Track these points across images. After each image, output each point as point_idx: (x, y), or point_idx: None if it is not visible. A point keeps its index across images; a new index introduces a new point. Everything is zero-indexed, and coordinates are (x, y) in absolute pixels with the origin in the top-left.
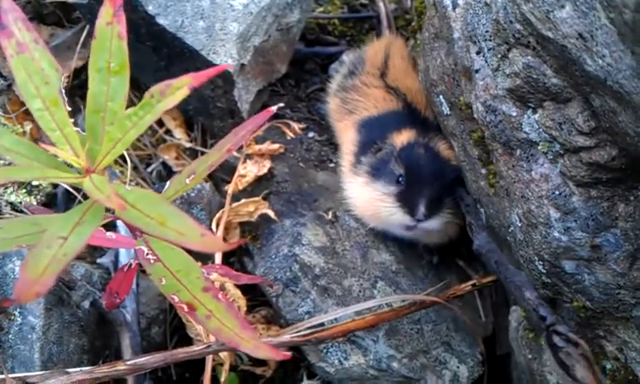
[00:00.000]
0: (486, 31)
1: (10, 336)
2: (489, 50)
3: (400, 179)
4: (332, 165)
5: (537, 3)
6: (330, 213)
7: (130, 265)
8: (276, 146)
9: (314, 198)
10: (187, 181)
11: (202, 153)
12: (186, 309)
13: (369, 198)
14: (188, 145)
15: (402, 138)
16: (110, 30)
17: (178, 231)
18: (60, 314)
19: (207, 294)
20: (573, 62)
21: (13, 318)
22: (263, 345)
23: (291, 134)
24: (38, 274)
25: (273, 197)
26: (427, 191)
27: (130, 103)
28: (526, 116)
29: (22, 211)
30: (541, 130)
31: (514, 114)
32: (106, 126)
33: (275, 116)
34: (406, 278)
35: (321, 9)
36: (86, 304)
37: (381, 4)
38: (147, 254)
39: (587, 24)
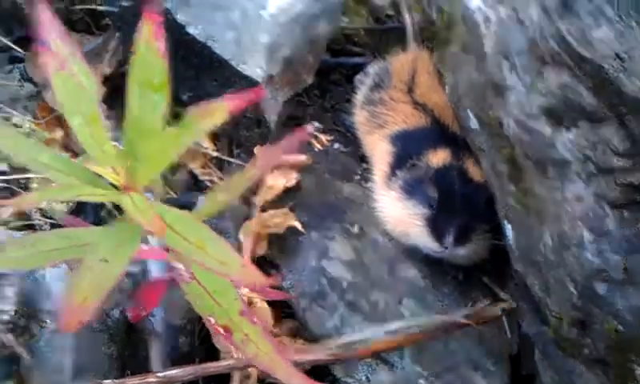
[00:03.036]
0: (520, 48)
1: (41, 343)
2: (522, 67)
3: (432, 203)
4: (357, 177)
5: (574, 22)
6: (357, 226)
7: (161, 278)
8: (304, 157)
9: (341, 210)
10: (221, 198)
11: (228, 162)
12: (222, 331)
13: (400, 215)
14: (214, 154)
15: (438, 158)
16: (150, 47)
17: (219, 259)
18: (90, 322)
19: (244, 317)
20: (610, 83)
21: (44, 324)
22: (297, 373)
23: (319, 146)
24: (80, 300)
25: (299, 208)
26: (458, 220)
27: None
28: (559, 135)
29: (51, 218)
30: (575, 149)
31: (548, 132)
32: (144, 142)
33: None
34: (432, 294)
35: (347, 20)
36: (116, 313)
37: (406, 15)
38: (182, 271)
39: (625, 44)
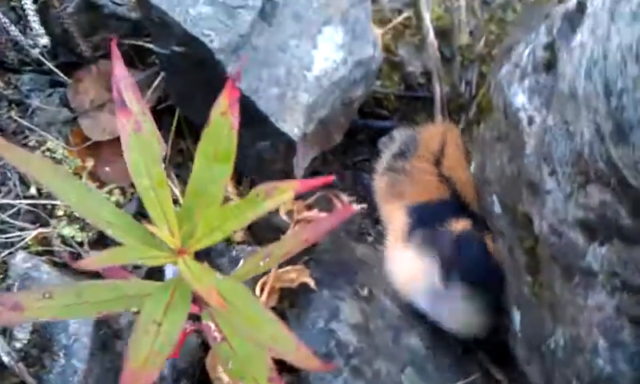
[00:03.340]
0: (564, 157)
1: (52, 376)
2: (564, 175)
3: (448, 254)
4: (371, 238)
5: (627, 151)
6: (366, 289)
7: (185, 330)
8: (323, 214)
9: (353, 271)
10: (261, 263)
11: None
12: None
13: (415, 269)
14: (236, 198)
15: (460, 225)
16: (224, 121)
17: (272, 338)
18: (101, 360)
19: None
20: None
21: (57, 358)
22: None
23: (340, 205)
24: (139, 364)
25: (313, 264)
26: (468, 270)
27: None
28: (592, 247)
29: (71, 246)
30: (605, 263)
31: (581, 242)
32: (202, 208)
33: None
34: (433, 365)
35: (378, 83)
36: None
37: (437, 85)
38: (214, 330)
39: None
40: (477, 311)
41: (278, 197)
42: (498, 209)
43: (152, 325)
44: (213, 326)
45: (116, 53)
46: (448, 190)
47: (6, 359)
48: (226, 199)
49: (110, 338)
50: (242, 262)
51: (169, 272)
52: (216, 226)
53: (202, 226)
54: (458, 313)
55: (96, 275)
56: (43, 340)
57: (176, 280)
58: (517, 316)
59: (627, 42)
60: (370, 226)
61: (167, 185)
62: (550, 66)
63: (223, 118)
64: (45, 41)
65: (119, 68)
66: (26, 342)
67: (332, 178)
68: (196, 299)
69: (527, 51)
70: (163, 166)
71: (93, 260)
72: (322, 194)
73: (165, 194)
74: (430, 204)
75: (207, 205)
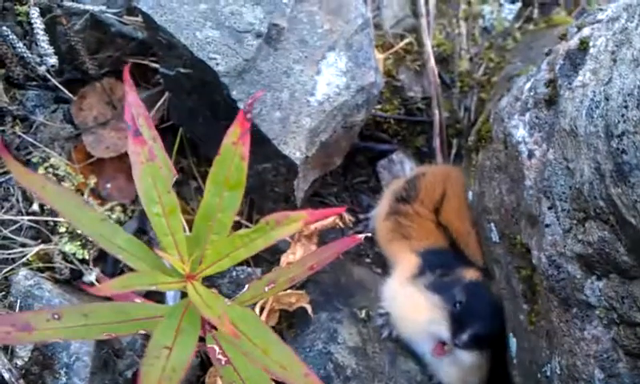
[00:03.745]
0: (564, 193)
1: None
2: (563, 210)
3: (458, 304)
4: (368, 260)
5: (626, 191)
6: (364, 311)
7: None
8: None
9: (350, 293)
10: (266, 289)
11: (247, 226)
12: None
13: (422, 305)
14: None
15: (470, 274)
16: (234, 150)
17: (282, 365)
18: (102, 379)
19: None
20: None
21: (58, 376)
22: None
23: (341, 225)
24: None
25: (311, 285)
26: (477, 327)
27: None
28: (589, 281)
29: (72, 263)
30: (602, 297)
31: (579, 276)
32: (212, 235)
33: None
34: None
35: (379, 106)
36: (129, 373)
37: (436, 111)
38: (219, 353)
39: None
40: (478, 370)
41: (287, 226)
42: (495, 237)
43: (163, 350)
44: (217, 348)
45: (128, 79)
46: (446, 239)
47: (7, 376)
48: None
49: (110, 357)
50: (245, 285)
51: (170, 294)
52: (225, 253)
53: (211, 253)
54: (450, 369)
55: (99, 296)
56: (44, 358)
57: (183, 304)
58: (513, 344)
59: (629, 87)
60: (368, 247)
61: (179, 212)
62: (552, 102)
63: (234, 147)
64: (53, 61)
65: (132, 95)
66: (27, 359)
67: (343, 209)
68: (202, 321)
69: (528, 85)
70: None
71: (107, 286)
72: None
73: (176, 221)
74: (440, 250)
75: (216, 232)
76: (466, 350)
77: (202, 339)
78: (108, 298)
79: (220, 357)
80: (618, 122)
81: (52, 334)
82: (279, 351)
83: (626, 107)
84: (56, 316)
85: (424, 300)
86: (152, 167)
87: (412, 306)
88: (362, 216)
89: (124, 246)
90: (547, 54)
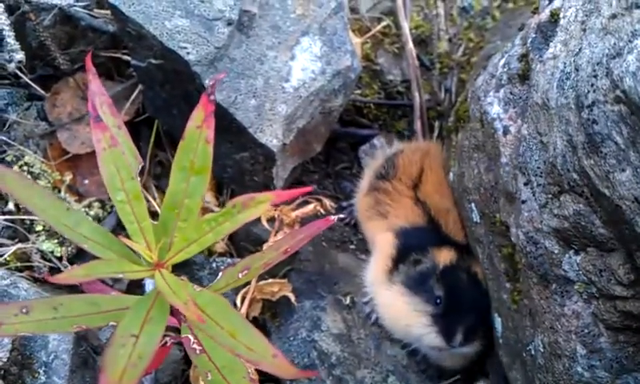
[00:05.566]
0: (538, 168)
1: None
2: (538, 185)
3: (439, 301)
4: (352, 246)
5: (599, 162)
6: (348, 298)
7: (165, 343)
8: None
9: (334, 280)
10: (240, 276)
11: None
12: None
13: (403, 311)
14: (216, 209)
15: (444, 256)
16: (199, 134)
17: (249, 347)
18: (82, 376)
19: None
20: (624, 222)
21: (37, 375)
22: None
23: (322, 211)
24: (116, 377)
25: (294, 274)
26: (466, 319)
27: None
28: (567, 255)
29: (50, 261)
30: (580, 272)
31: (556, 251)
32: (179, 221)
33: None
34: (416, 374)
35: (359, 91)
36: None
37: (416, 94)
38: (193, 343)
39: None
40: (477, 349)
41: (254, 208)
42: (476, 217)
43: (129, 338)
44: (192, 338)
45: (91, 68)
46: (424, 216)
47: None
48: (207, 210)
49: (90, 354)
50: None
51: (149, 285)
52: (193, 239)
53: (178, 240)
54: (456, 359)
55: (76, 290)
56: (23, 358)
57: (154, 293)
58: (499, 324)
59: (598, 56)
60: (352, 234)
61: (143, 199)
62: (525, 77)
63: (198, 131)
64: (20, 56)
65: (95, 83)
66: (5, 360)
67: (310, 188)
68: (176, 312)
69: (502, 61)
70: (140, 179)
71: (69, 274)
72: (304, 200)
73: (141, 207)
74: (416, 228)
75: (184, 218)
76: (466, 345)
77: (178, 331)
78: (82, 292)
79: (195, 346)
80: (588, 91)
81: (21, 328)
82: (247, 334)
83: (595, 77)
84: (24, 310)
85: (405, 305)
86: (114, 153)
87: (395, 312)
88: (344, 203)
89: (88, 234)
90: (520, 29)
